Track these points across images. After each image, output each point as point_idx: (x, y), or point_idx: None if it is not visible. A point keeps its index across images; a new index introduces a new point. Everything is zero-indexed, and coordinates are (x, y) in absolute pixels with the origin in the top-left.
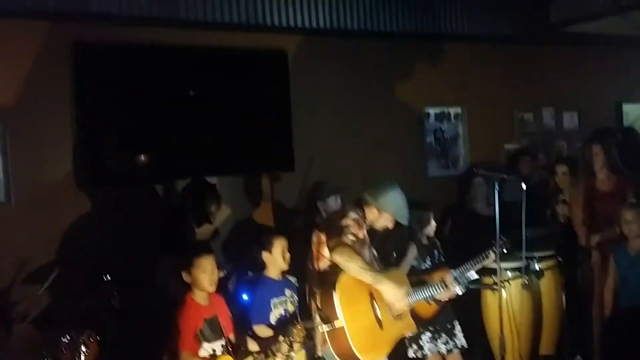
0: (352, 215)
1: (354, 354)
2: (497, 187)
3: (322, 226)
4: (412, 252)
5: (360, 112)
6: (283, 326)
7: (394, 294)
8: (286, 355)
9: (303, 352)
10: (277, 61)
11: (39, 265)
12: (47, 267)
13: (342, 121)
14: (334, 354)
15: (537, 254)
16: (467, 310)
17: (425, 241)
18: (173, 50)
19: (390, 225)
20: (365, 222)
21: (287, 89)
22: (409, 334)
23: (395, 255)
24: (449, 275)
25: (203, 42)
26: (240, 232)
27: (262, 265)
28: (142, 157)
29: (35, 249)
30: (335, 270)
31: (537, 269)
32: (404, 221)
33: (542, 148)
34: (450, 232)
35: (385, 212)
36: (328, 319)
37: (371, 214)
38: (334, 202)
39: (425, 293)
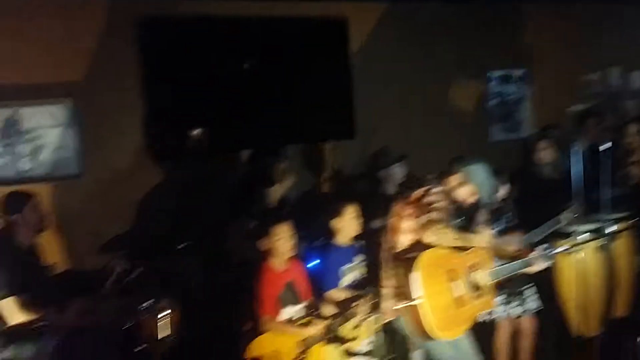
0: (436, 189)
1: (432, 329)
2: (574, 148)
3: (402, 200)
4: (483, 216)
5: (422, 77)
6: (355, 290)
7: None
8: (361, 319)
9: (375, 316)
10: (337, 29)
11: (113, 235)
12: (123, 237)
13: (404, 87)
14: (411, 328)
15: (611, 216)
16: (540, 273)
17: (496, 205)
18: (236, 21)
19: (469, 199)
20: (447, 194)
21: (348, 57)
22: (487, 311)
23: (465, 219)
24: (533, 253)
25: (265, 13)
26: (305, 199)
27: (332, 233)
28: (206, 129)
29: (109, 219)
30: (414, 246)
31: (612, 231)
32: (485, 199)
33: (609, 109)
34: (516, 196)
35: (471, 183)
36: (406, 295)
37: (455, 181)
38: (398, 171)
39: (510, 270)
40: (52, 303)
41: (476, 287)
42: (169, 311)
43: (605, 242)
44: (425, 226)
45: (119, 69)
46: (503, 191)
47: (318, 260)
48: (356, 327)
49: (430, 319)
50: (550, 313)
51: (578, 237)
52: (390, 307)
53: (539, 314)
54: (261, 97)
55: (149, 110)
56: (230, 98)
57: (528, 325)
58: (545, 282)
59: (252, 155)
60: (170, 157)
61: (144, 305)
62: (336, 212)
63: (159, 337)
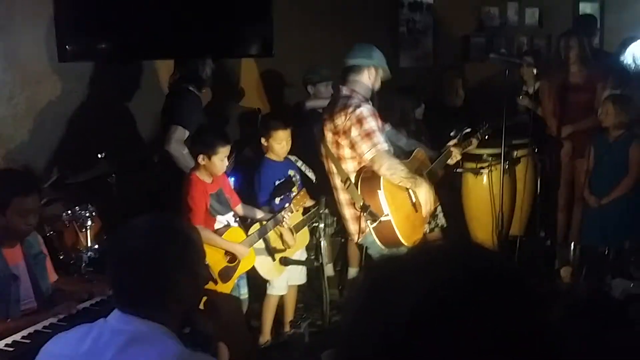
0: (367, 109)
1: (400, 241)
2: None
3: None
4: (402, 136)
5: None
6: (289, 202)
7: (429, 196)
8: (294, 229)
9: (299, 214)
10: None
11: (20, 143)
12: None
13: (320, 9)
14: (379, 243)
15: (513, 142)
16: (447, 192)
17: (413, 127)
18: None
19: (378, 83)
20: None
21: None
22: (434, 207)
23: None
24: (450, 142)
25: None
26: (226, 115)
27: (265, 149)
28: (122, 34)
29: (17, 126)
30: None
31: (513, 155)
32: (388, 73)
33: (505, 42)
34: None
35: (379, 67)
36: (374, 215)
37: (371, 76)
38: (324, 89)
39: (439, 164)
40: None
41: None
42: (91, 222)
43: (508, 165)
44: (374, 159)
45: None
46: (422, 110)
47: (253, 175)
48: (288, 236)
49: (399, 230)
50: (455, 229)
51: (485, 159)
52: (356, 227)
53: (445, 229)
54: (179, 8)
55: (61, 10)
56: (148, 6)
57: (435, 239)
58: (452, 200)
59: (175, 62)
60: (83, 60)
61: (65, 214)
62: (265, 133)
63: (80, 247)
